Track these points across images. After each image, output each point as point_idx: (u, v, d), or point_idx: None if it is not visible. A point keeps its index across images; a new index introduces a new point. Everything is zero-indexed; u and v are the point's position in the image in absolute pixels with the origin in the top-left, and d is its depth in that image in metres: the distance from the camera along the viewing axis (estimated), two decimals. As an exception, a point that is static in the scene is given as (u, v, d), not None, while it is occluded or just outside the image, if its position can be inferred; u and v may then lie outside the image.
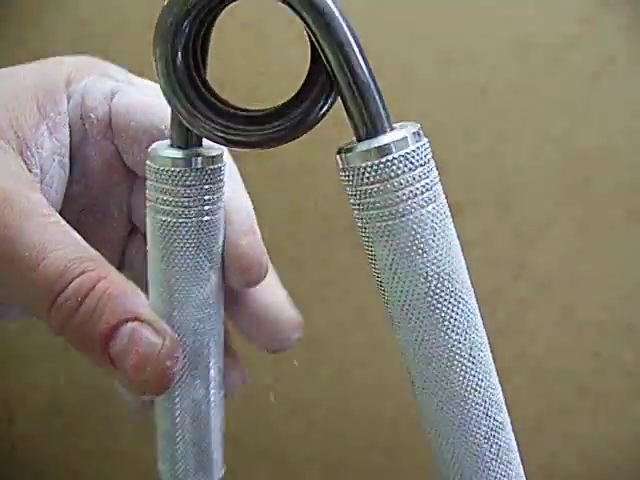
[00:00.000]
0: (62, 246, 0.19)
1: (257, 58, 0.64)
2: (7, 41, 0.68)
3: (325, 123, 0.23)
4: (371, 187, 0.17)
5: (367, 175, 0.17)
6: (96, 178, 0.25)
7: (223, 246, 0.22)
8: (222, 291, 0.22)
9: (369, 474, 0.70)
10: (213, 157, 0.21)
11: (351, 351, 0.67)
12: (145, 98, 0.25)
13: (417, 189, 0.17)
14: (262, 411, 0.71)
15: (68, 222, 0.21)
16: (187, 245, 0.20)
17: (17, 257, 0.18)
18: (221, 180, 0.21)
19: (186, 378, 0.22)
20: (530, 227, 0.62)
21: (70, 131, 0.24)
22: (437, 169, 0.20)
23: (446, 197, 0.20)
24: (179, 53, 0.19)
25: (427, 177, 0.18)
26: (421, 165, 0.18)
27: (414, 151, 0.17)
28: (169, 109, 0.20)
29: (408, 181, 0.17)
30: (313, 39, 0.20)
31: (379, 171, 0.17)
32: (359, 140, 0.18)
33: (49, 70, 0.24)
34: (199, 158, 0.20)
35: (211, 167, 0.21)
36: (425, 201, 0.18)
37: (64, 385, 0.74)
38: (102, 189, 0.25)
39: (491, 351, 0.25)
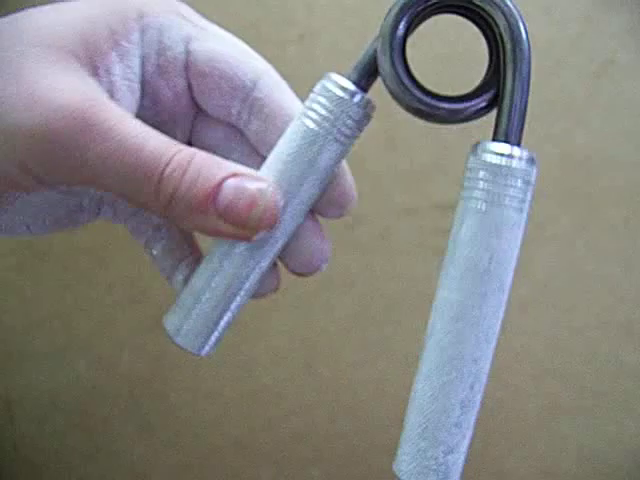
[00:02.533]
0: (156, 134, 0.22)
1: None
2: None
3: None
4: (485, 176, 0.22)
5: (493, 167, 0.22)
6: (165, 107, 0.27)
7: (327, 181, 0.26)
8: (307, 207, 0.25)
9: (369, 474, 0.70)
10: (369, 106, 0.26)
11: (351, 351, 0.67)
12: (224, 49, 0.28)
13: (517, 197, 0.22)
14: (262, 411, 0.71)
15: None
16: (313, 152, 0.24)
17: (123, 144, 0.21)
18: (362, 126, 0.26)
19: (244, 251, 0.25)
20: (530, 227, 0.62)
21: (143, 62, 0.25)
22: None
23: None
24: (398, 36, 0.26)
25: (526, 193, 0.23)
26: (527, 182, 0.23)
27: (527, 170, 0.22)
28: (251, 60, 0.29)
29: (514, 186, 0.22)
30: (502, 62, 0.25)
31: (503, 169, 0.22)
32: (496, 140, 0.24)
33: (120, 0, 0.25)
34: (362, 97, 0.26)
35: (364, 111, 0.26)
36: (516, 209, 0.23)
37: (64, 385, 0.74)
38: (169, 117, 0.27)
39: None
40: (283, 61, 0.69)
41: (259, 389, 0.76)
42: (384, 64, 0.26)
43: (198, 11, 0.30)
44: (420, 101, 0.25)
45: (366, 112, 0.26)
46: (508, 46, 0.24)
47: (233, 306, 0.26)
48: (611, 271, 0.61)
